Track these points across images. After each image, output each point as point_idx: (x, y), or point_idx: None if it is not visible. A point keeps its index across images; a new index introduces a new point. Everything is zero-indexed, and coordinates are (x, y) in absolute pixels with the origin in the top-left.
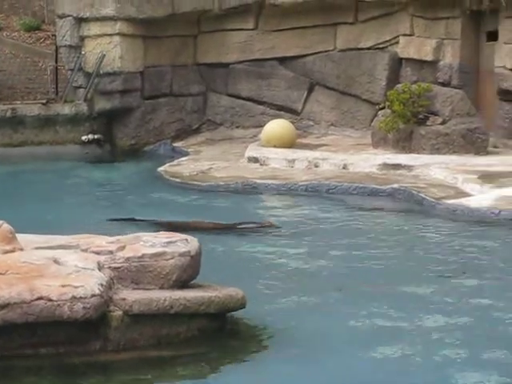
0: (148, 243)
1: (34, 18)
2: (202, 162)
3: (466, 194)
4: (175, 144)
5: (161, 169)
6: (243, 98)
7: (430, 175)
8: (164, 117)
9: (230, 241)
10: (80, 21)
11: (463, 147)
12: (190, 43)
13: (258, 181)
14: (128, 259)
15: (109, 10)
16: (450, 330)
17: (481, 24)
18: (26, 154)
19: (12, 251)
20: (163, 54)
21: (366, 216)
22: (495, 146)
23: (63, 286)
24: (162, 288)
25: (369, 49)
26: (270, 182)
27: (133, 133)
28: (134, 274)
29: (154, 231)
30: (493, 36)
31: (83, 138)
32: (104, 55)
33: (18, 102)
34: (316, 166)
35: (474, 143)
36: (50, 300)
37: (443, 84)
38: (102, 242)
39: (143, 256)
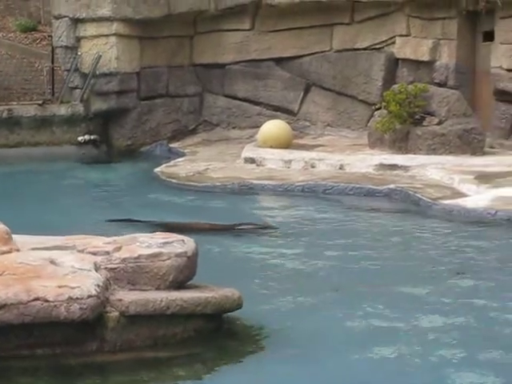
0: (144, 244)
1: (30, 18)
2: (199, 162)
3: (462, 195)
4: (171, 145)
5: (157, 169)
6: (239, 99)
7: (427, 176)
8: (160, 117)
9: (227, 241)
10: (76, 21)
11: (459, 148)
12: (186, 44)
13: (255, 181)
14: (124, 260)
15: (105, 11)
16: (447, 330)
17: (477, 24)
18: (23, 154)
19: (8, 252)
20: (159, 55)
21: (363, 216)
22: (491, 147)
23: (60, 286)
24: (158, 289)
25: (365, 49)
26: (266, 182)
27: (129, 133)
28: (131, 274)
29: (151, 232)
30: (489, 36)
31: (79, 138)
32: (100, 56)
33: (14, 103)
34: (312, 167)
35: (470, 144)
36: (47, 301)
37: (439, 84)
38: (99, 242)
39: (139, 257)
